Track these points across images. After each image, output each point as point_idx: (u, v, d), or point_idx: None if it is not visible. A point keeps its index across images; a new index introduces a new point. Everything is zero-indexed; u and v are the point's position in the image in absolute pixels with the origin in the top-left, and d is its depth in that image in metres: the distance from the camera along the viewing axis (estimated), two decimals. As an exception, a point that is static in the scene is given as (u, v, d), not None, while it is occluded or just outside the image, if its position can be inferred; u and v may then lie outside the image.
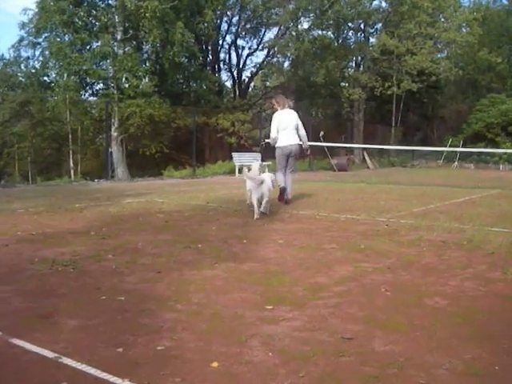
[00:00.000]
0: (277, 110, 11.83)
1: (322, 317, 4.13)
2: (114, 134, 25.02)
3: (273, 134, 11.71)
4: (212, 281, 5.11)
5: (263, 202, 9.47)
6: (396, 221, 9.26)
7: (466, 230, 8.29)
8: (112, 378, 3.07)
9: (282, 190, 11.49)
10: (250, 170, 9.93)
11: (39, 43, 28.64)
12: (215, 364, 3.27)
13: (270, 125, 11.94)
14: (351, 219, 9.46)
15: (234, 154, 25.42)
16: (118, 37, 25.28)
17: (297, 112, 12.10)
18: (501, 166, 36.23)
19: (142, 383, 3.02)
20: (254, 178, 9.54)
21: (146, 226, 8.40)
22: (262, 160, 23.06)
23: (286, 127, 11.59)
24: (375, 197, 13.62)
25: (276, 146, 11.74)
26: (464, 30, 39.65)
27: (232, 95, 38.92)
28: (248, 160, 24.23)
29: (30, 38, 29.03)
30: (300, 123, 11.86)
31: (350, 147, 34.34)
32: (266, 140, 21.37)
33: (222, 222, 8.90)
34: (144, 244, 6.86)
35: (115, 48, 25.21)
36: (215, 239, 7.32)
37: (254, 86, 43.25)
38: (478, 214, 10.19)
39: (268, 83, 41.81)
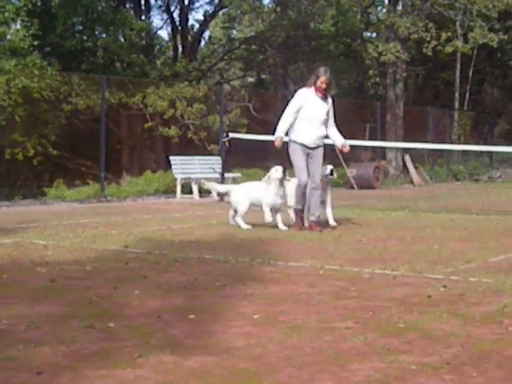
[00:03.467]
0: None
1: None
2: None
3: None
4: None
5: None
6: (461, 279, 7.34)
7: None
8: None
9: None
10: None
11: None
12: None
13: None
14: (382, 276, 7.40)
15: (174, 160, 19.38)
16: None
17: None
18: None
19: None
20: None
21: (16, 290, 6.56)
22: (225, 167, 18.34)
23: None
24: (424, 235, 10.73)
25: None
26: None
27: (171, 54, 30.83)
28: (200, 170, 19.55)
29: None
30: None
31: (379, 147, 25.66)
32: (232, 134, 17.48)
33: (153, 282, 6.95)
34: (12, 322, 5.24)
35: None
36: (139, 313, 5.64)
37: (210, 38, 35.10)
38: None
39: (235, 33, 33.17)
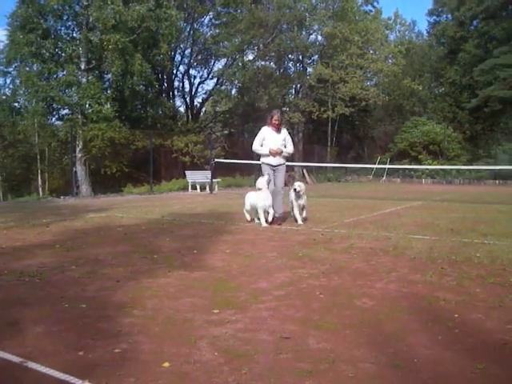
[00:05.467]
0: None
1: (263, 319, 4.13)
2: (79, 154, 24.62)
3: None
4: (165, 288, 5.06)
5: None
6: (330, 231, 9.28)
7: (391, 237, 8.38)
8: (73, 380, 3.04)
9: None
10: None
11: (9, 72, 27.95)
12: (167, 364, 3.27)
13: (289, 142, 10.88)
14: (291, 230, 9.41)
15: (187, 172, 25.35)
16: (82, 67, 24.95)
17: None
18: (423, 180, 36.95)
19: (101, 383, 2.99)
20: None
21: (107, 239, 8.22)
22: (212, 176, 23.56)
23: None
24: (312, 209, 12.93)
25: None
26: (390, 61, 40.94)
27: (185, 119, 38.31)
28: (200, 177, 24.92)
29: (1, 67, 28.67)
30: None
31: (290, 165, 32.82)
32: (216, 160, 22.14)
33: (176, 234, 8.74)
34: (104, 255, 6.73)
35: (79, 77, 24.83)
36: (169, 250, 7.21)
37: (205, 110, 42.63)
38: (402, 224, 10.33)
39: (217, 108, 41.31)
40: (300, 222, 10.46)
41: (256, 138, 10.83)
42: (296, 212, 10.58)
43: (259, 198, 10.14)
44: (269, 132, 10.69)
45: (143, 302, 4.58)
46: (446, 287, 5.12)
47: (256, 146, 10.76)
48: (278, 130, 10.68)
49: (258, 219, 10.24)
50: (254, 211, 10.50)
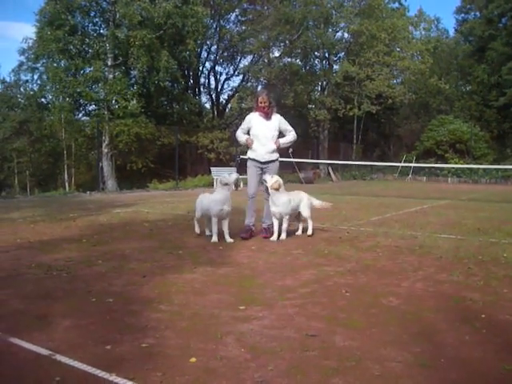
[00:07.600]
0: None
1: (289, 316, 4.15)
2: (105, 150, 24.95)
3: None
4: (191, 283, 5.10)
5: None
6: (356, 228, 9.28)
7: (417, 236, 8.36)
8: (101, 373, 3.08)
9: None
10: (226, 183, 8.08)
11: (37, 68, 28.45)
12: (193, 359, 3.30)
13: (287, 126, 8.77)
14: (316, 227, 9.20)
15: (213, 169, 25.44)
16: (109, 63, 25.25)
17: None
18: (449, 179, 36.68)
19: (128, 377, 3.04)
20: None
21: (133, 234, 8.31)
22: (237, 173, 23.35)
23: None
24: (338, 207, 12.66)
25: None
26: (417, 59, 40.60)
27: (211, 116, 38.68)
28: (225, 173, 24.58)
29: (29, 63, 29.19)
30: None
31: (316, 162, 34.07)
32: (242, 156, 22.54)
33: (201, 230, 8.62)
34: (131, 250, 6.81)
35: (106, 73, 25.16)
36: (194, 246, 7.27)
37: (231, 107, 42.99)
38: (428, 223, 10.30)
39: (243, 105, 41.12)
40: (273, 238, 7.95)
41: (241, 125, 8.93)
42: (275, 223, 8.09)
43: (214, 200, 7.85)
44: (256, 119, 8.59)
45: (170, 297, 4.62)
46: (473, 287, 5.09)
47: (238, 133, 8.88)
48: (268, 117, 8.53)
49: (210, 231, 7.95)
50: (207, 219, 8.25)
